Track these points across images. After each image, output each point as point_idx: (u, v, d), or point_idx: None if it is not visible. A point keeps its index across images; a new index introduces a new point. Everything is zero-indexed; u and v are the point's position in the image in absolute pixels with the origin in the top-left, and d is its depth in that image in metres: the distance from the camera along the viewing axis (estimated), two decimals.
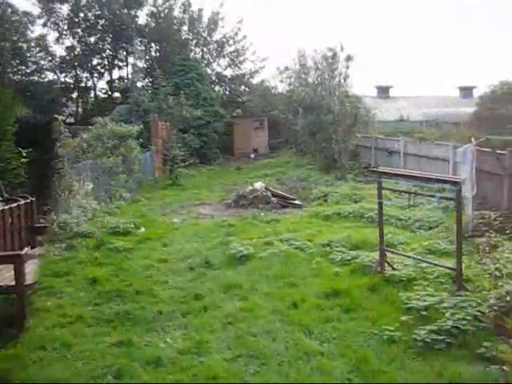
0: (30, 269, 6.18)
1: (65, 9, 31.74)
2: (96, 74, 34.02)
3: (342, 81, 20.68)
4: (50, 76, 32.06)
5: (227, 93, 34.50)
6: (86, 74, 33.69)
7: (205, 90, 28.63)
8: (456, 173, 14.05)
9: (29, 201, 7.48)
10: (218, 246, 9.33)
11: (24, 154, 9.83)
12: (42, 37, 31.13)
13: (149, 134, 21.68)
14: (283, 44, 62.73)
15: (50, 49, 31.79)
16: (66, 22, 32.06)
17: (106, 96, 34.72)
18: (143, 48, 32.18)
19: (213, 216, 12.87)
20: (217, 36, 33.54)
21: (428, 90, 59.07)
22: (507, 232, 8.68)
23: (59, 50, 39.15)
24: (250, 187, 14.73)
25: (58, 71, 32.44)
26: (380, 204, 7.43)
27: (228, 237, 9.92)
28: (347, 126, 19.54)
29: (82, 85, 33.91)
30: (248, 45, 33.89)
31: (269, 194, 14.29)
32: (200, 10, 32.75)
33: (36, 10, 30.74)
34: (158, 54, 33.47)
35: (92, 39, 32.76)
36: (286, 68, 27.19)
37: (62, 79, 32.98)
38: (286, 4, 65.18)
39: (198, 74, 28.83)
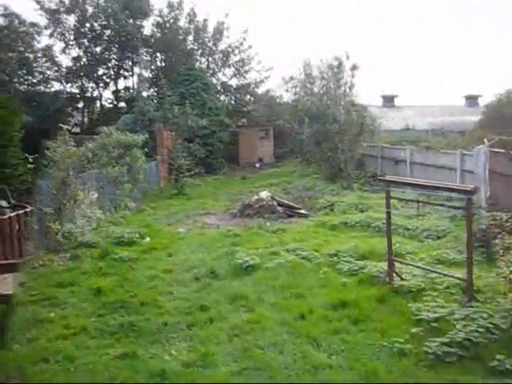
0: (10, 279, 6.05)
1: (71, 19, 31.97)
2: (102, 84, 34.16)
3: (348, 90, 20.72)
4: (56, 86, 32.14)
5: (232, 102, 34.56)
6: (91, 84, 33.83)
7: (210, 100, 28.67)
8: (463, 181, 13.95)
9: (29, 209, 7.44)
10: (224, 256, 9.24)
11: (30, 160, 9.79)
12: (49, 47, 31.25)
13: (154, 144, 21.69)
14: (288, 54, 62.82)
15: (57, 59, 31.89)
16: (72, 32, 32.28)
17: (111, 106, 34.83)
18: (149, 58, 32.36)
19: (218, 226, 12.80)
20: (222, 46, 33.71)
21: (433, 99, 59.27)
22: None
23: (65, 61, 39.25)
24: (256, 197, 14.65)
25: (64, 81, 32.55)
26: (388, 213, 7.33)
27: (234, 247, 9.84)
28: (353, 135, 19.54)
29: (88, 95, 34.06)
30: (253, 54, 34.00)
31: (275, 203, 14.20)
32: (205, 20, 32.94)
33: (43, 21, 30.86)
34: (163, 64, 33.64)
35: (98, 49, 32.93)
36: (292, 77, 27.25)
37: (68, 89, 33.07)
38: (292, 14, 65.49)
39: (204, 84, 28.89)
